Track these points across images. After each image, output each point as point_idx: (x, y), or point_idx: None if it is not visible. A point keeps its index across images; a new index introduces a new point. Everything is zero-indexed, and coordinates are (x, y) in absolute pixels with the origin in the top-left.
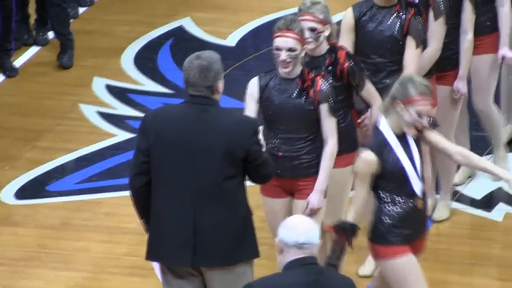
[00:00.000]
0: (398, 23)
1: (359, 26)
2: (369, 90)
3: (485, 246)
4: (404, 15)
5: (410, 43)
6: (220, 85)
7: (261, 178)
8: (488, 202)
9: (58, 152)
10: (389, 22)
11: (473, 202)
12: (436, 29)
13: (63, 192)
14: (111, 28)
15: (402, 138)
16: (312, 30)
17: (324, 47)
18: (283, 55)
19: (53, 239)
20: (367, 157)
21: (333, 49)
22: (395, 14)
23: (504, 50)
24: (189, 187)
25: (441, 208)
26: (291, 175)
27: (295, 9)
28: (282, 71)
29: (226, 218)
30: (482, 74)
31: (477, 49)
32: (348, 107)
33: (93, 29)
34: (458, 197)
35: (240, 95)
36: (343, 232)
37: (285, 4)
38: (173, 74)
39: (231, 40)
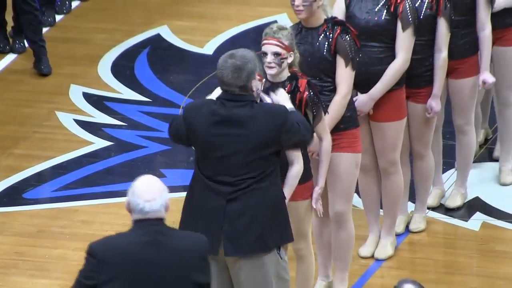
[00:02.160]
0: (326, 43)
1: None
2: (324, 125)
3: (462, 255)
4: (331, 35)
5: (340, 62)
6: (254, 83)
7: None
8: (465, 212)
9: (35, 159)
10: (318, 43)
11: (449, 212)
12: (404, 40)
13: (40, 200)
14: (88, 36)
15: None
16: (277, 55)
17: (285, 74)
18: None
19: (30, 246)
20: None
21: (294, 76)
22: (322, 35)
23: (485, 75)
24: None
25: (417, 220)
26: None
27: (273, 18)
28: None
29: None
30: (463, 96)
31: (457, 73)
32: None
33: (70, 37)
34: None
35: None
36: None
37: (262, 13)
38: (150, 82)
39: (208, 49)
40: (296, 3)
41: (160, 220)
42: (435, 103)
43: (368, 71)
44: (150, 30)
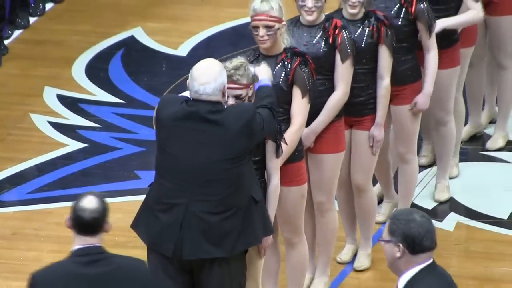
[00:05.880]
0: (284, 72)
1: None
2: (278, 163)
3: (437, 256)
4: (289, 64)
5: (296, 93)
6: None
7: None
8: (439, 212)
9: (9, 162)
10: (274, 72)
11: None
12: (343, 72)
13: (14, 202)
14: (62, 38)
15: None
16: (237, 97)
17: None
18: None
19: (4, 249)
20: None
21: None
22: (280, 64)
23: (420, 97)
24: None
25: (362, 257)
26: None
27: (246, 19)
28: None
29: None
30: (404, 123)
31: (398, 99)
32: (263, 175)
33: (44, 39)
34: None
35: None
36: None
37: (236, 14)
38: (124, 84)
39: (183, 50)
40: (309, 4)
41: (212, 102)
42: (378, 132)
43: None
44: (124, 32)
